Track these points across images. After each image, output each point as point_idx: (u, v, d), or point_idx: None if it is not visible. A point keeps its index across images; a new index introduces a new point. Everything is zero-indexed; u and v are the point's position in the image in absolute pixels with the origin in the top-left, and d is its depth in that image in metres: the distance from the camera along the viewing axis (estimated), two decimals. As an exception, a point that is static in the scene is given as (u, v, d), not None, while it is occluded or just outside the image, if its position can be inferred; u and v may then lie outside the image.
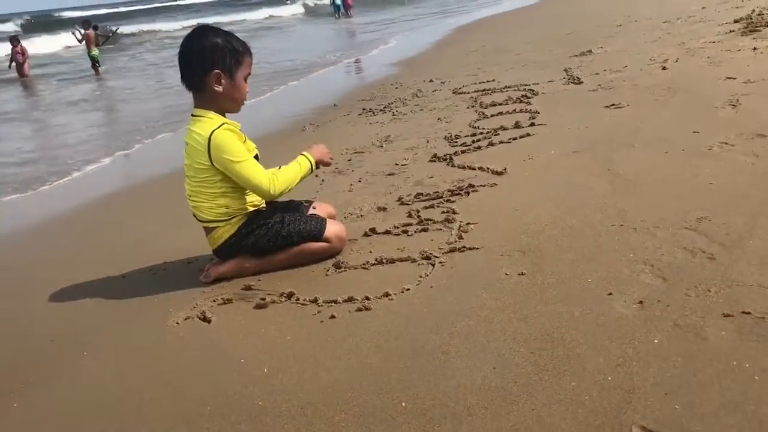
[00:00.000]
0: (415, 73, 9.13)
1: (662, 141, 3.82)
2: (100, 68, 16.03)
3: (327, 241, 2.92)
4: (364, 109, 6.83)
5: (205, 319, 2.55)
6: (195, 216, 2.90)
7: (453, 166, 4.10)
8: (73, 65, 19.66)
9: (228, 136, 2.75)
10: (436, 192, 3.58)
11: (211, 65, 2.73)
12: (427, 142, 4.89)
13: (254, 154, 2.91)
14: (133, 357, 2.35)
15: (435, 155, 4.35)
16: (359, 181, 4.13)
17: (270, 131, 6.58)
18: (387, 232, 3.13)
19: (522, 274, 2.47)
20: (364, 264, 2.81)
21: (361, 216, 3.46)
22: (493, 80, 7.12)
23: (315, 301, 2.54)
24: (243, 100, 2.88)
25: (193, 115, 2.82)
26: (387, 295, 2.47)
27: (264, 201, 3.03)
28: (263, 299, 2.63)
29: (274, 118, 7.39)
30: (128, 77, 14.97)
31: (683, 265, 2.33)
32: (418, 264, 2.73)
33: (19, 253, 3.91)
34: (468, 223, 3.07)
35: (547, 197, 3.23)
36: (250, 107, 8.17)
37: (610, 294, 2.20)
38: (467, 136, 4.82)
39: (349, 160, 4.74)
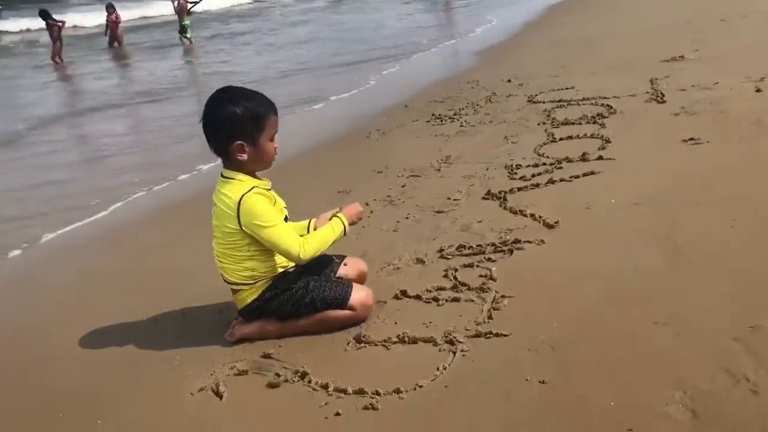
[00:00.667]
0: (495, 68, 8.82)
1: (735, 201, 3.47)
2: (189, 38, 16.32)
3: (351, 309, 2.83)
4: (433, 114, 6.64)
5: (218, 394, 2.53)
6: (222, 276, 2.86)
7: (505, 208, 3.89)
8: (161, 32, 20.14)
9: (258, 200, 2.69)
10: (479, 246, 3.41)
11: (232, 137, 2.66)
12: (486, 169, 4.68)
13: (284, 215, 2.83)
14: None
15: (489, 191, 4.15)
16: (406, 218, 4.00)
17: (335, 135, 6.53)
18: (417, 297, 3.01)
19: (543, 382, 2.29)
20: (385, 340, 2.70)
21: (398, 269, 3.34)
22: (572, 87, 6.75)
23: (326, 387, 2.46)
24: (271, 160, 2.80)
25: (222, 176, 2.76)
26: (398, 391, 2.36)
27: None
28: (278, 375, 2.58)
29: (343, 118, 7.33)
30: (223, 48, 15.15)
31: (720, 395, 2.09)
32: (440, 350, 2.59)
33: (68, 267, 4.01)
34: (503, 296, 2.90)
35: (594, 272, 2.99)
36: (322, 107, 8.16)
37: (630, 431, 2.00)
38: (529, 166, 4.58)
39: (403, 186, 4.61)
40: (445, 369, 2.46)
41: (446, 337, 2.64)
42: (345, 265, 3.09)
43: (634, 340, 2.44)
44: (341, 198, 4.49)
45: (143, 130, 8.78)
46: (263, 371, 2.64)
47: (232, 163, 2.73)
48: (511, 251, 3.32)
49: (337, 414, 2.30)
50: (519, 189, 4.16)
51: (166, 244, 4.24)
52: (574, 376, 2.30)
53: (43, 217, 5.20)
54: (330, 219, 2.97)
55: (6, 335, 3.31)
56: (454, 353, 2.55)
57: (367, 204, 4.14)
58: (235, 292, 2.85)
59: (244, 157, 2.70)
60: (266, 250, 2.76)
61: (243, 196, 2.67)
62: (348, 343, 2.74)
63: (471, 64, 9.67)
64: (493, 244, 3.40)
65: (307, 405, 2.38)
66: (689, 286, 2.75)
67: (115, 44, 17.58)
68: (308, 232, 3.06)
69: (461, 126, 6.06)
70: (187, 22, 16.56)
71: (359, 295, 2.84)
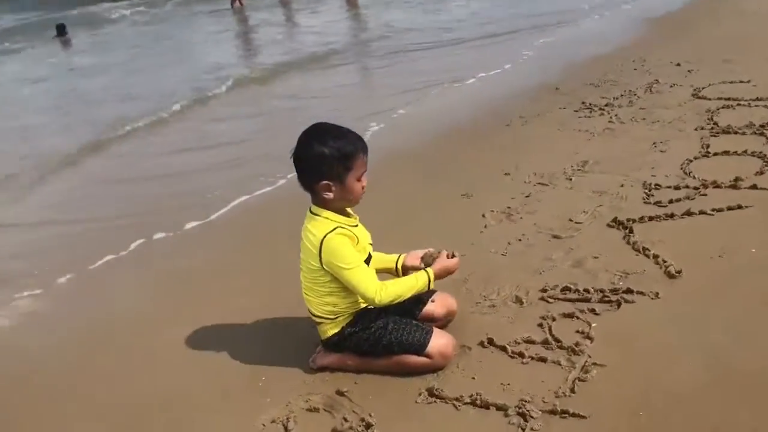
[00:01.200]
0: (666, 44, 8.10)
1: None
2: None
3: (428, 356, 2.76)
4: (583, 103, 6.22)
5: (286, 430, 2.59)
6: (307, 308, 2.90)
7: (629, 243, 3.58)
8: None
9: (340, 241, 2.67)
10: (586, 291, 3.17)
11: (319, 177, 2.63)
12: (621, 185, 4.32)
13: (367, 253, 2.79)
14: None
15: (616, 218, 3.82)
16: (519, 240, 3.81)
17: (474, 120, 6.32)
18: (503, 349, 2.87)
19: (607, 491, 2.10)
20: (457, 398, 2.62)
21: (493, 306, 3.20)
22: (748, 81, 5.99)
23: (386, 445, 2.43)
24: (358, 198, 2.76)
25: (310, 211, 2.76)
26: (453, 468, 2.28)
27: None
28: (345, 420, 2.60)
29: (486, 99, 7.07)
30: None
31: None
32: (509, 422, 2.46)
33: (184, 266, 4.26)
34: (594, 364, 2.68)
35: (704, 347, 2.68)
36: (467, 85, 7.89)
37: None
38: (669, 187, 4.16)
39: (527, 196, 4.38)
40: (507, 449, 2.33)
41: (520, 408, 2.50)
42: (433, 302, 3.01)
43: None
44: (460, 202, 4.37)
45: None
46: (334, 411, 2.66)
47: (319, 200, 2.72)
48: (619, 304, 3.05)
49: (384, 479, 2.26)
50: (651, 218, 3.79)
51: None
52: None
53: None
54: (421, 262, 2.91)
55: (122, 322, 3.59)
56: (523, 429, 2.41)
57: (484, 222, 3.99)
58: (318, 324, 2.88)
59: (330, 195, 2.67)
60: (341, 288, 2.75)
61: (326, 235, 2.66)
62: (420, 394, 2.68)
63: (640, 35, 8.89)
64: (602, 291, 3.15)
65: (361, 463, 2.36)
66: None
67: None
68: (395, 267, 3.00)
69: (609, 121, 5.62)
70: None
71: (438, 343, 2.76)
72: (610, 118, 5.68)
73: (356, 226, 2.82)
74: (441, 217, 4.26)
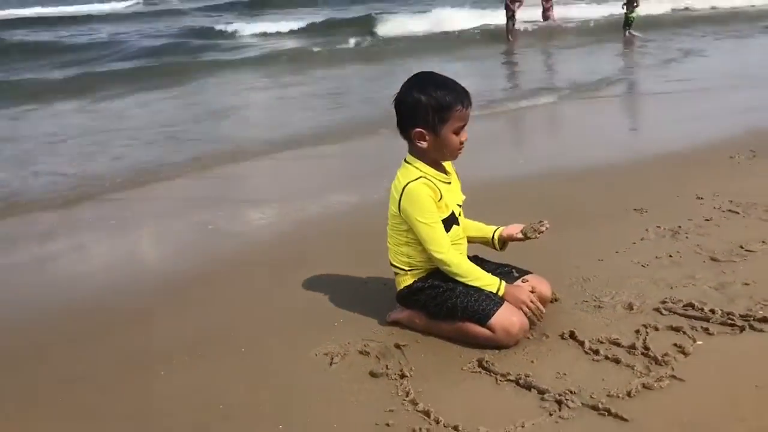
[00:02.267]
0: None
1: None
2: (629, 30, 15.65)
3: (491, 329, 2.58)
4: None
5: (332, 362, 2.63)
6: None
7: (797, 279, 2.97)
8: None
9: (421, 192, 2.64)
10: (712, 311, 2.71)
11: (413, 124, 2.62)
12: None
13: (450, 211, 2.71)
14: (245, 371, 2.61)
15: (798, 253, 3.20)
16: (670, 256, 3.37)
17: (696, 148, 5.67)
18: (581, 344, 2.58)
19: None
20: (502, 375, 2.42)
21: (599, 307, 2.88)
22: None
23: (407, 395, 2.35)
24: (455, 152, 2.69)
25: (404, 160, 2.78)
26: (456, 429, 2.14)
27: (463, 246, 2.87)
28: (387, 367, 2.55)
29: (724, 126, 6.28)
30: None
31: None
32: (541, 406, 2.22)
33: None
34: (672, 377, 2.30)
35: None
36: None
37: None
38: None
39: (708, 219, 3.85)
40: (522, 426, 2.11)
41: (559, 397, 2.23)
42: (525, 281, 2.81)
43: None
44: (630, 215, 3.99)
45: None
46: (383, 358, 2.62)
47: (413, 149, 2.72)
48: (742, 329, 2.56)
49: (387, 425, 2.19)
50: (842, 260, 3.10)
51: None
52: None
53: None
54: (519, 233, 2.85)
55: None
56: (551, 414, 2.15)
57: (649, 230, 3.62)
58: (395, 274, 2.86)
59: (424, 145, 2.65)
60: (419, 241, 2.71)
61: (409, 183, 2.65)
62: (470, 363, 2.53)
63: None
64: (729, 314, 2.66)
65: (376, 405, 2.31)
66: None
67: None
68: (492, 238, 2.88)
69: None
70: (634, 15, 15.85)
71: (504, 318, 2.57)
72: None
73: (449, 183, 2.76)
74: (602, 225, 3.93)
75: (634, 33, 15.65)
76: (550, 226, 2.79)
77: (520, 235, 2.84)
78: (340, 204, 4.85)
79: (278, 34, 19.57)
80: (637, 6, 15.86)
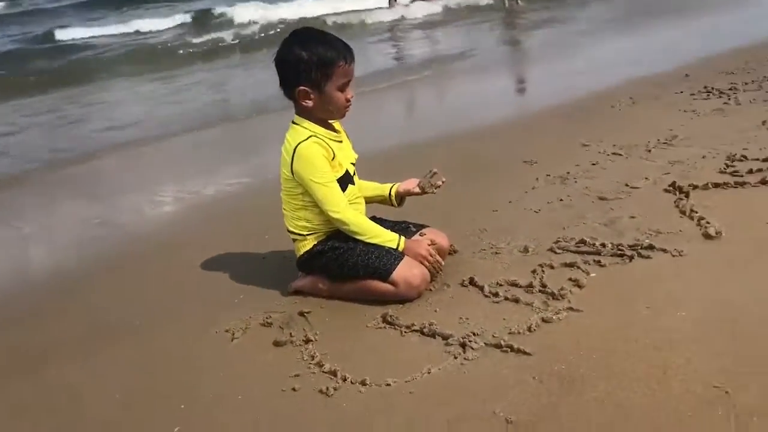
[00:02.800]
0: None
1: None
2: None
3: (393, 283, 2.57)
4: (705, 87, 5.56)
5: (233, 338, 2.54)
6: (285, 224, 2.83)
7: (677, 207, 3.12)
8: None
9: (313, 152, 2.57)
10: (603, 245, 2.79)
11: (296, 82, 2.54)
12: (703, 157, 3.79)
13: (344, 170, 2.66)
14: (148, 358, 2.49)
15: (674, 183, 3.35)
16: (561, 200, 3.46)
17: (579, 100, 5.85)
18: (481, 288, 2.60)
19: (509, 421, 1.81)
20: (407, 326, 2.41)
21: (497, 254, 2.92)
22: None
23: (313, 357, 2.31)
24: (341, 109, 2.63)
25: (292, 122, 2.69)
26: (363, 383, 2.11)
27: (361, 206, 2.83)
28: (291, 336, 2.48)
29: (604, 79, 6.51)
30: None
31: None
32: (447, 351, 2.22)
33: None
34: (570, 309, 2.35)
35: (708, 300, 2.25)
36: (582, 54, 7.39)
37: None
38: (756, 159, 3.59)
39: (594, 163, 3.98)
40: (429, 373, 2.10)
41: (464, 339, 2.24)
42: (421, 234, 2.80)
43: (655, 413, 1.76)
44: (520, 167, 4.06)
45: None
46: (286, 328, 2.55)
47: (300, 109, 2.64)
48: (631, 258, 2.65)
49: (293, 390, 2.13)
50: (716, 185, 3.28)
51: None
52: (550, 420, 1.77)
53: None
54: (416, 187, 2.85)
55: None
56: (456, 357, 2.16)
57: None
58: (293, 241, 2.79)
59: (310, 104, 2.58)
60: (314, 203, 2.64)
61: (300, 143, 2.57)
62: (374, 319, 2.50)
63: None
64: (619, 246, 2.75)
65: (281, 372, 2.25)
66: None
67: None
68: (389, 195, 2.86)
69: (725, 103, 4.98)
70: None
71: (405, 271, 2.56)
72: (726, 100, 5.03)
73: (340, 141, 2.70)
74: (494, 178, 3.99)
75: (519, 2, 15.96)
76: (446, 180, 2.79)
77: (417, 190, 2.84)
78: (229, 185, 4.70)
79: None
80: None
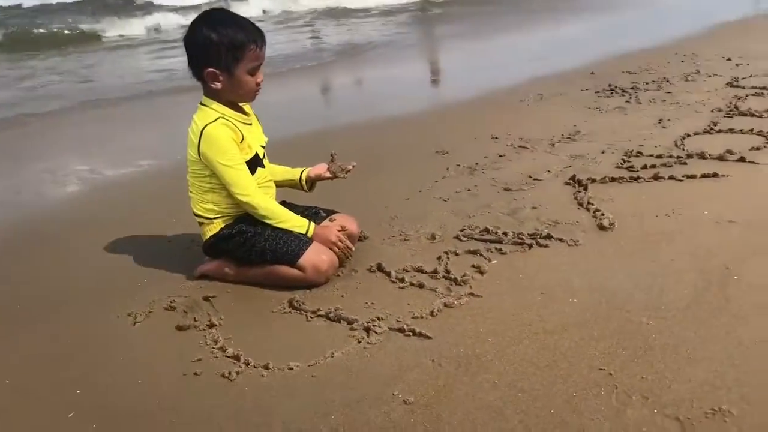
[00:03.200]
0: (732, 41, 7.46)
1: None
2: None
3: (301, 269, 2.57)
4: (609, 85, 5.83)
5: (135, 322, 2.48)
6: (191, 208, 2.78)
7: (576, 199, 3.26)
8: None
9: (221, 133, 2.54)
10: (505, 233, 2.89)
11: (205, 63, 2.50)
12: (603, 152, 4.00)
13: (254, 153, 2.64)
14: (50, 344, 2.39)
15: (575, 177, 3.51)
16: (468, 190, 3.56)
17: (490, 94, 6.02)
18: (387, 274, 2.65)
19: (407, 402, 1.86)
20: (312, 311, 2.42)
21: (406, 240, 2.98)
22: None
23: (216, 341, 2.29)
24: (251, 93, 2.61)
25: (200, 103, 2.65)
26: (266, 367, 2.11)
27: (271, 189, 2.82)
28: (195, 320, 2.45)
29: (514, 76, 6.72)
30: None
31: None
32: (351, 335, 2.25)
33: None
34: (470, 294, 2.43)
35: (597, 288, 2.38)
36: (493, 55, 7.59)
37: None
38: (650, 156, 3.81)
39: (501, 155, 4.11)
40: (332, 356, 2.12)
41: (367, 324, 2.28)
42: (332, 220, 2.82)
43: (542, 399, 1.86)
44: (433, 158, 4.14)
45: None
46: (190, 312, 2.52)
47: (208, 91, 2.60)
48: (530, 246, 2.76)
49: (195, 374, 2.11)
50: (613, 179, 3.46)
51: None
52: (446, 401, 1.84)
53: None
54: (327, 172, 2.88)
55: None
56: (359, 341, 2.19)
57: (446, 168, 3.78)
58: (199, 224, 2.75)
59: (219, 86, 2.54)
60: (222, 186, 2.62)
61: (207, 125, 2.53)
62: (280, 305, 2.50)
63: (708, 32, 8.33)
64: (519, 235, 2.86)
65: (183, 356, 2.22)
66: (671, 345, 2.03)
67: None
68: (299, 180, 2.86)
69: (626, 101, 5.24)
70: None
71: (312, 256, 2.57)
72: (628, 98, 5.29)
73: (249, 124, 2.68)
74: (407, 168, 4.04)
75: None
76: (357, 164, 2.82)
77: (328, 174, 2.85)
78: (135, 167, 4.57)
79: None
80: None
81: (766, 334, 2.02)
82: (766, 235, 2.69)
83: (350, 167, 2.84)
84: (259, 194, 2.61)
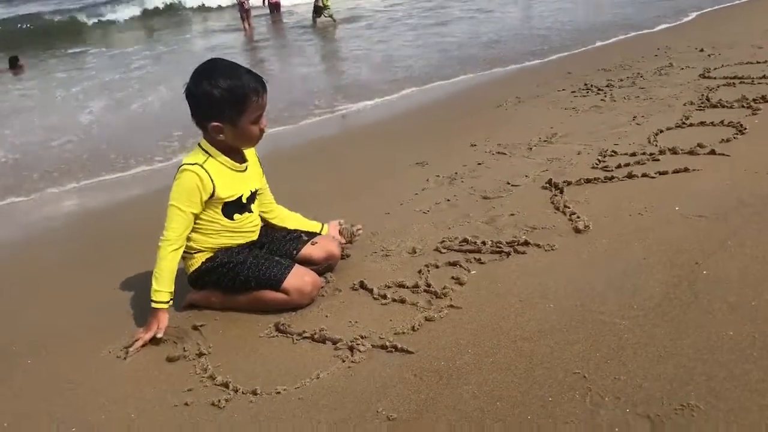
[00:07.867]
0: (702, 32, 7.60)
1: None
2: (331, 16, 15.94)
3: (285, 292, 2.64)
4: (585, 84, 5.93)
5: (126, 356, 2.53)
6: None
7: (552, 203, 3.34)
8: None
9: (188, 179, 2.56)
10: (483, 243, 2.96)
11: (208, 118, 2.54)
12: (578, 153, 4.07)
13: (236, 196, 2.68)
14: (43, 386, 2.44)
15: (550, 181, 3.58)
16: (448, 200, 3.63)
17: (471, 101, 6.11)
18: (370, 291, 2.72)
19: (390, 419, 1.93)
20: (298, 334, 2.49)
21: (387, 256, 3.05)
22: (765, 62, 5.55)
23: (205, 370, 2.34)
24: (254, 139, 2.65)
25: (199, 144, 2.68)
26: (255, 392, 2.17)
27: (255, 234, 2.84)
28: (185, 350, 2.51)
29: (492, 85, 6.82)
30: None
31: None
32: (335, 355, 2.32)
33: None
34: (450, 306, 2.50)
35: (574, 292, 2.45)
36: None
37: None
38: (624, 154, 3.90)
39: (480, 163, 4.19)
40: (317, 378, 2.19)
41: (351, 343, 2.35)
42: (314, 244, 2.89)
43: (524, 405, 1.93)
44: (413, 169, 4.21)
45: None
46: (180, 342, 2.58)
47: (208, 137, 2.62)
48: (508, 254, 2.84)
49: (186, 404, 2.17)
50: (587, 180, 3.53)
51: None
52: (428, 415, 1.90)
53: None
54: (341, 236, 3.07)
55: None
56: (343, 360, 2.26)
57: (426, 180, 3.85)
58: (183, 259, 2.80)
59: (222, 137, 2.57)
60: (205, 222, 2.68)
61: (185, 165, 2.60)
62: (267, 329, 2.57)
63: (679, 24, 8.44)
64: (498, 243, 2.93)
65: (174, 387, 2.28)
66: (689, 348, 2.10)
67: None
68: (320, 233, 3.03)
69: (602, 100, 5.35)
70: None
71: (295, 279, 2.64)
72: (603, 97, 5.39)
73: (242, 171, 2.71)
74: (387, 182, 4.12)
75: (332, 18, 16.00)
76: (363, 228, 3.10)
77: (342, 240, 3.03)
78: (123, 199, 4.63)
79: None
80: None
81: (733, 327, 2.09)
82: (732, 227, 2.76)
83: (359, 233, 3.10)
84: (169, 248, 2.58)
